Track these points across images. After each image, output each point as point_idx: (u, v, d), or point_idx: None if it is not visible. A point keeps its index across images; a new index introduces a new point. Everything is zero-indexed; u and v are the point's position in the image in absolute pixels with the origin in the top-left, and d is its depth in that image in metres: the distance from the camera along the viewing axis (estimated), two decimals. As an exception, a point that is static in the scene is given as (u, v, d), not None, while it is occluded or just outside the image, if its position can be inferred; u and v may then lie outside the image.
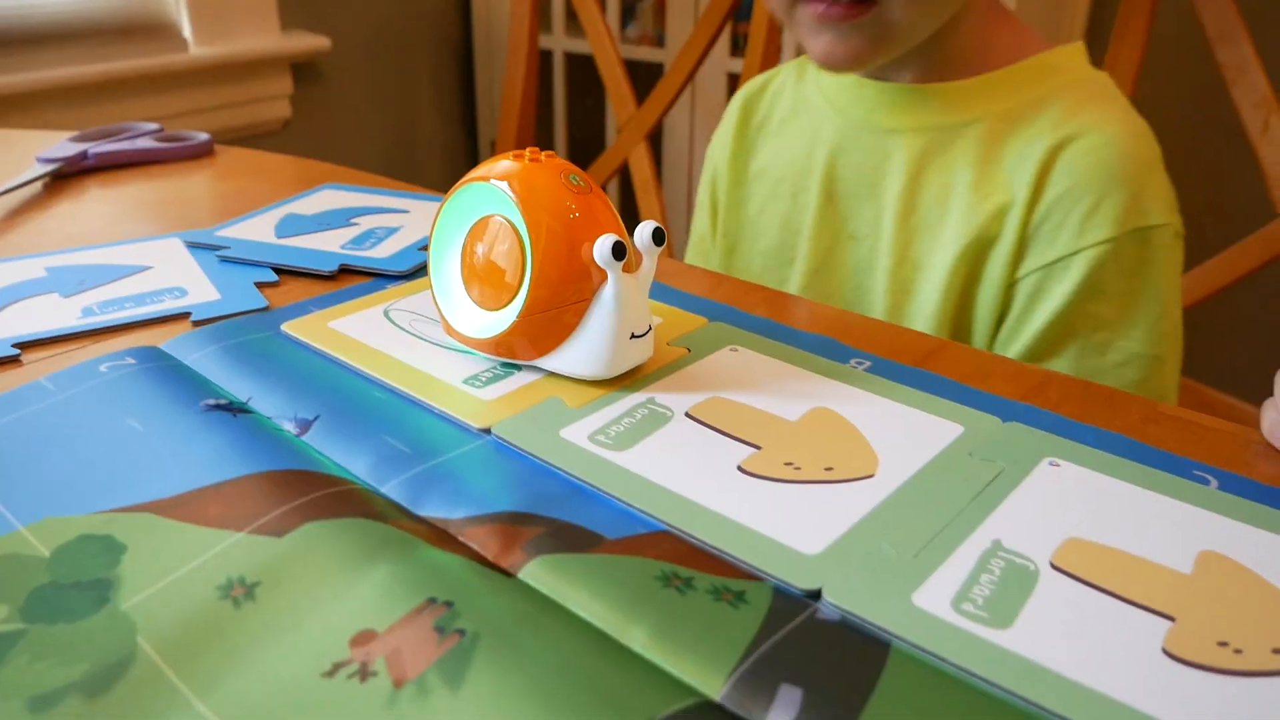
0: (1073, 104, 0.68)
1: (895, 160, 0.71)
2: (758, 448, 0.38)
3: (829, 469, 0.37)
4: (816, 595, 0.31)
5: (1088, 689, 0.27)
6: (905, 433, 0.40)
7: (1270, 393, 0.42)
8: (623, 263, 0.40)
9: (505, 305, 0.42)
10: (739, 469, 0.37)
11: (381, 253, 0.58)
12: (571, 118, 1.86)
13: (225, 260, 0.58)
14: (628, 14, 1.78)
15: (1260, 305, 1.53)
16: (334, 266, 0.56)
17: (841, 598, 0.30)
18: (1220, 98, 0.99)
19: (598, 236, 0.40)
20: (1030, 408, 0.42)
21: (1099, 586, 0.31)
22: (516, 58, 1.41)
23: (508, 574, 0.32)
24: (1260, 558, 0.33)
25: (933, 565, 0.32)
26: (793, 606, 0.30)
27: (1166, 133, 1.58)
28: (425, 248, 0.60)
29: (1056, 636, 0.29)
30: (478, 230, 0.43)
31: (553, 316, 0.41)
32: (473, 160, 2.03)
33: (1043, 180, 0.66)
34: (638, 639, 0.29)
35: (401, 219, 0.65)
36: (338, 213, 0.66)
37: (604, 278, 0.41)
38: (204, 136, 0.85)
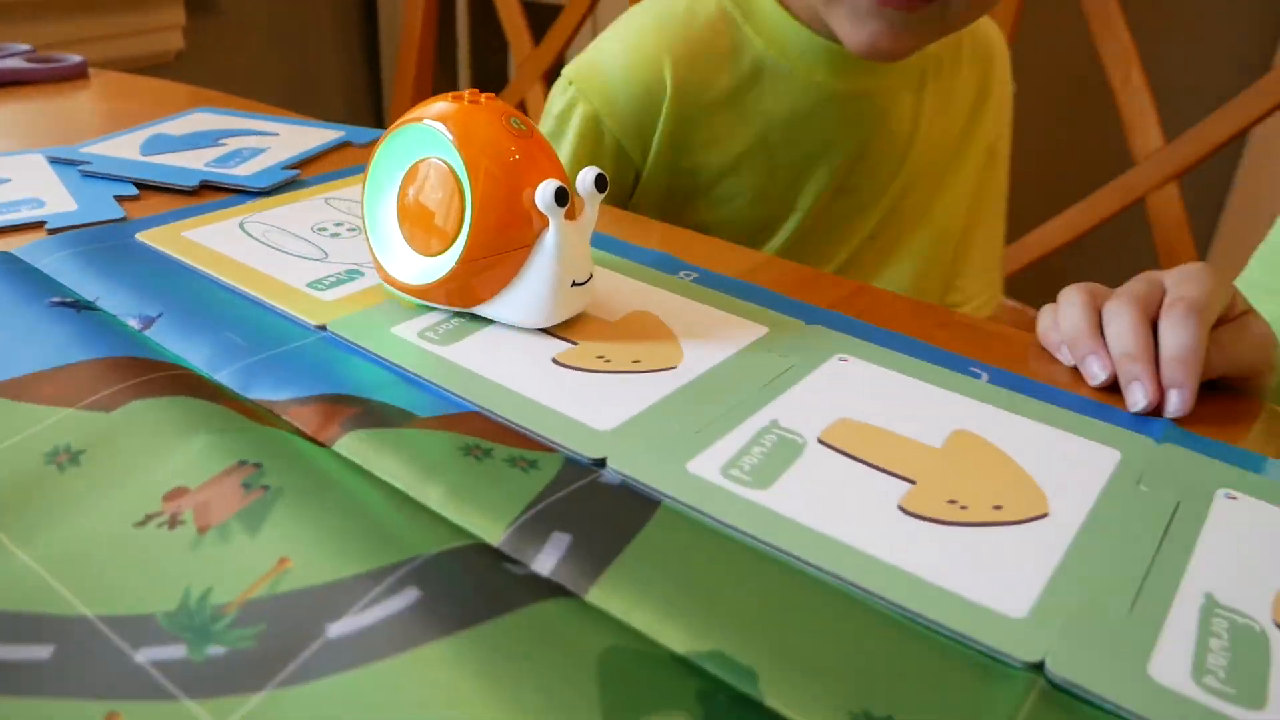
0: (975, 34, 0.75)
1: (894, 114, 0.71)
2: (574, 344, 0.42)
3: (637, 361, 0.40)
4: (602, 463, 0.34)
5: (831, 538, 0.31)
6: (710, 331, 0.43)
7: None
8: (565, 209, 0.39)
9: (443, 251, 0.41)
10: (554, 361, 0.40)
11: (244, 170, 0.60)
12: (475, 58, 1.86)
13: (87, 175, 0.59)
14: (532, -47, 1.78)
15: (1119, 248, 1.60)
16: (194, 182, 0.58)
17: (624, 464, 0.34)
18: (1091, 52, 1.04)
19: (539, 181, 0.39)
20: (836, 314, 0.46)
21: (856, 457, 0.35)
22: (413, -5, 1.41)
23: (323, 446, 0.34)
24: (1010, 437, 0.37)
25: (711, 439, 0.35)
26: (579, 472, 0.34)
27: (1042, 86, 1.63)
28: (290, 166, 0.61)
29: (809, 497, 0.33)
30: (413, 174, 0.42)
31: (492, 262, 0.40)
32: (378, 98, 2.02)
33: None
34: (433, 497, 0.32)
35: (269, 140, 0.66)
36: (206, 134, 0.67)
37: (545, 224, 0.40)
38: (77, 59, 0.84)
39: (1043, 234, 1.12)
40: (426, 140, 0.41)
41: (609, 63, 0.68)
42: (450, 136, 0.40)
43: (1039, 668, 0.27)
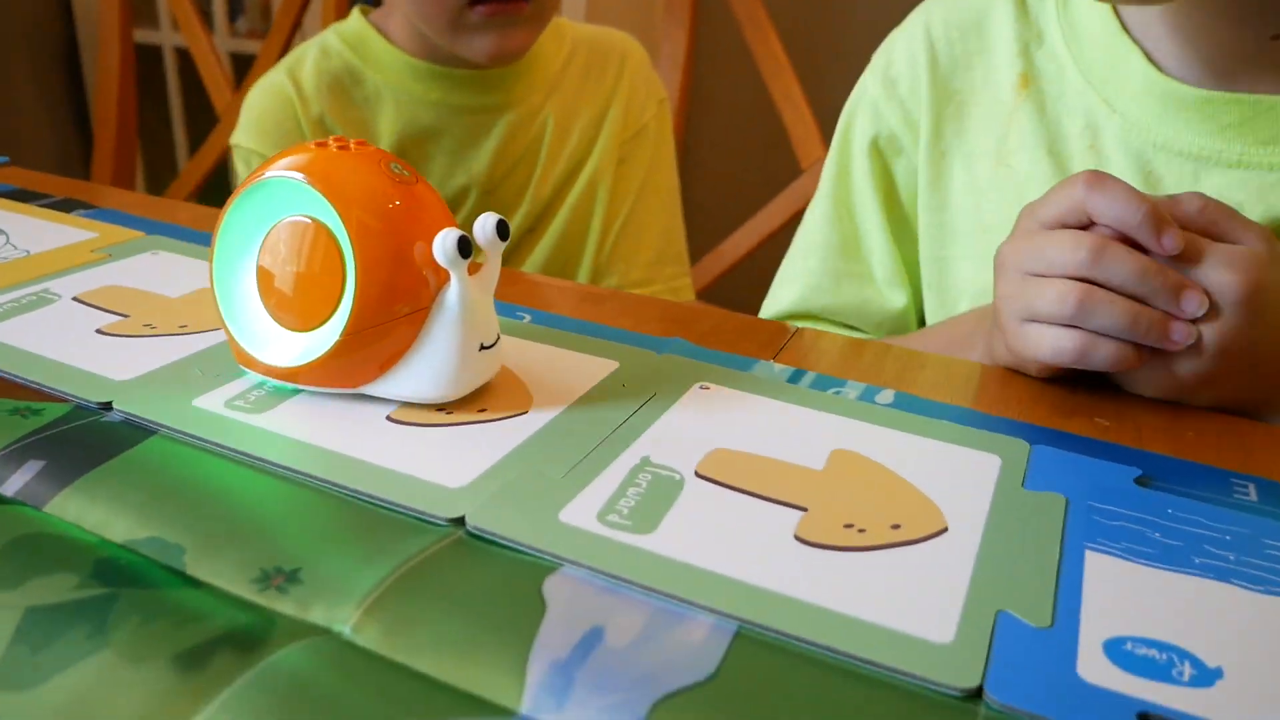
0: (595, 46, 0.86)
1: (523, 123, 0.81)
2: (128, 320, 0.43)
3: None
4: (108, 406, 0.36)
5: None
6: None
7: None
8: (468, 262, 0.34)
9: (321, 324, 0.35)
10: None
11: None
12: (190, 112, 1.83)
13: None
14: (236, 9, 1.78)
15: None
16: None
17: (127, 405, 0.35)
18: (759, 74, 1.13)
19: (432, 233, 0.33)
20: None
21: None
22: (109, 52, 1.38)
23: None
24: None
25: (216, 383, 0.38)
26: (84, 414, 0.35)
27: (719, 107, 1.73)
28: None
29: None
30: (275, 238, 0.35)
31: (385, 330, 0.34)
32: (89, 160, 1.95)
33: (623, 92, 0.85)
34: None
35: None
36: None
37: (444, 281, 0.34)
38: None
39: (734, 242, 1.19)
40: (288, 196, 0.35)
41: (248, 113, 0.80)
42: (320, 189, 0.34)
43: (461, 522, 0.30)
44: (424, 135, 0.79)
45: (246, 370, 0.38)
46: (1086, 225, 0.40)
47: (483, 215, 0.35)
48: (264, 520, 0.30)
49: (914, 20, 0.58)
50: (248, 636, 0.25)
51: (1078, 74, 0.51)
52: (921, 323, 0.60)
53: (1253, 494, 0.35)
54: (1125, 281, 0.38)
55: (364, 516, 0.30)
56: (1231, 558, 0.31)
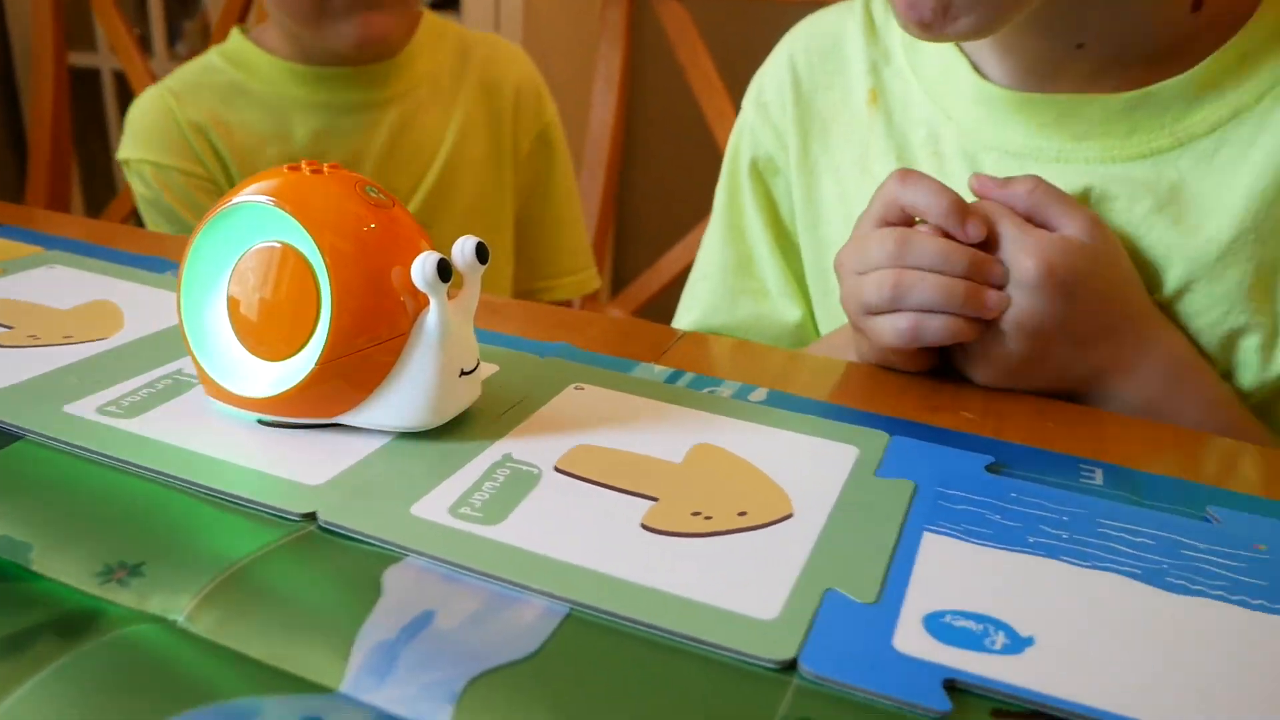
0: (478, 45, 0.90)
1: (411, 122, 0.84)
2: (12, 332, 0.43)
3: (67, 336, 0.42)
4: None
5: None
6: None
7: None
8: (447, 286, 0.34)
9: (296, 352, 0.34)
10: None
11: None
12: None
13: None
14: (175, 33, 1.78)
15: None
16: None
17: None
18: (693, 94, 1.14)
19: (410, 257, 0.33)
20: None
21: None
22: (42, 75, 1.38)
23: None
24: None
25: (91, 390, 0.38)
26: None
27: (655, 126, 1.75)
28: None
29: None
30: (247, 264, 0.35)
31: (361, 358, 0.34)
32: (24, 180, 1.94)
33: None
34: None
35: None
36: None
37: (422, 306, 0.34)
38: None
39: (669, 259, 1.21)
40: (259, 221, 0.34)
41: (130, 126, 0.82)
42: (292, 213, 0.33)
43: (313, 517, 0.31)
44: (315, 139, 0.82)
45: (129, 376, 0.39)
46: (908, 218, 0.44)
47: (461, 238, 0.35)
48: (117, 518, 0.30)
49: (780, 49, 0.62)
50: (75, 622, 0.25)
51: (919, 88, 0.54)
52: (819, 335, 0.61)
53: (1099, 478, 0.36)
54: (932, 263, 0.42)
55: (219, 513, 0.31)
56: (1065, 536, 0.32)
